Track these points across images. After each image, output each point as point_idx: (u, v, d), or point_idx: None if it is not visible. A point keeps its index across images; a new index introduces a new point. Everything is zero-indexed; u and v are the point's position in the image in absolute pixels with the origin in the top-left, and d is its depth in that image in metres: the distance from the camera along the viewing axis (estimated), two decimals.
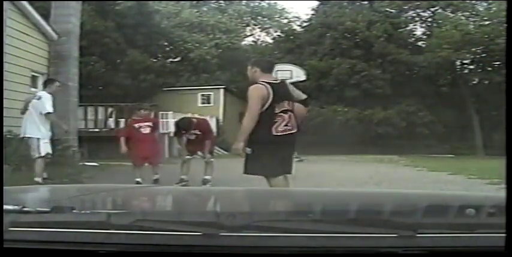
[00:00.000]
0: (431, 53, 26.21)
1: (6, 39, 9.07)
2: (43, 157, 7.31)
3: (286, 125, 4.67)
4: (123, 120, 16.67)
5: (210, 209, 1.59)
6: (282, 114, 4.64)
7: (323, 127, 23.39)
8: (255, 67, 4.86)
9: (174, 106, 20.23)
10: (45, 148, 7.30)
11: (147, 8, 26.39)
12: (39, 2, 13.04)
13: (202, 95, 25.47)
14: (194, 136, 8.07)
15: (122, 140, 7.98)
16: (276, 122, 4.61)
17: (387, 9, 29.74)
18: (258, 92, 4.61)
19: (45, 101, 7.31)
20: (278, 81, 4.90)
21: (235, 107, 22.78)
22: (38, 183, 7.07)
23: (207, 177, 7.99)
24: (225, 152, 17.83)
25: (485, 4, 27.95)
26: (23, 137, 7.54)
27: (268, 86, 4.62)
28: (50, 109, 7.28)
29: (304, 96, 5.20)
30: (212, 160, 8.27)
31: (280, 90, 4.72)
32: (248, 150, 4.65)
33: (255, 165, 4.66)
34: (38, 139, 7.32)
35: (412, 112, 26.50)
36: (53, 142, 10.82)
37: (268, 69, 4.90)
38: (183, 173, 8.06)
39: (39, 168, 7.32)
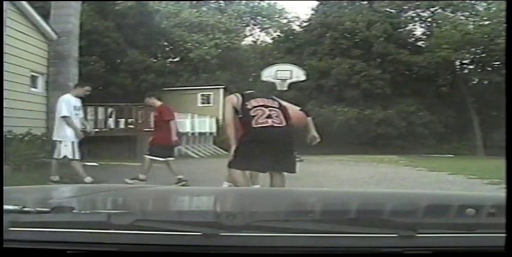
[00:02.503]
0: (431, 53, 26.24)
1: (6, 39, 9.07)
2: (59, 159, 7.33)
3: (267, 118, 4.79)
4: (122, 120, 16.69)
5: (210, 209, 1.59)
6: (260, 108, 4.84)
7: (323, 127, 23.33)
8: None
9: (174, 106, 20.20)
10: (64, 151, 7.29)
11: (147, 8, 26.37)
12: (39, 2, 13.04)
13: (202, 95, 25.48)
14: None
15: None
16: (254, 116, 4.80)
17: (387, 9, 29.76)
18: (228, 101, 5.07)
19: (62, 104, 7.34)
20: (254, 92, 5.39)
21: None
22: (52, 182, 7.15)
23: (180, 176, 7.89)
24: (225, 152, 17.83)
25: (485, 4, 27.98)
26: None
27: (238, 94, 5.08)
28: (64, 113, 7.28)
29: (297, 108, 5.50)
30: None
31: (252, 94, 5.14)
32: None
33: (239, 160, 4.83)
34: (60, 141, 7.37)
35: (412, 112, 26.51)
36: (54, 142, 10.84)
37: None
38: (178, 173, 7.98)
39: (53, 169, 7.38)
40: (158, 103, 8.26)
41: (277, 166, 4.83)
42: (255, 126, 4.75)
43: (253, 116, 4.78)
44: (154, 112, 8.61)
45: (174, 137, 7.87)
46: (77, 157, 7.39)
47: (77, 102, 7.55)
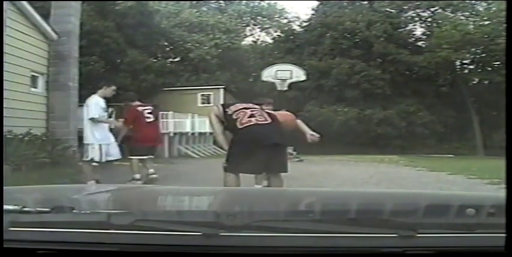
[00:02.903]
0: (431, 53, 26.20)
1: (6, 39, 9.07)
2: (87, 161, 7.16)
3: (250, 117, 4.88)
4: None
5: (210, 209, 1.59)
6: (241, 110, 4.97)
7: (323, 127, 23.36)
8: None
9: (174, 106, 20.22)
10: (92, 154, 7.12)
11: (147, 8, 26.35)
12: (39, 2, 13.02)
13: (202, 95, 25.47)
14: None
15: None
16: (237, 118, 4.90)
17: (387, 9, 29.73)
18: (211, 112, 5.21)
19: (90, 106, 7.19)
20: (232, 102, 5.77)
21: None
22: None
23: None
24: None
25: (485, 4, 27.94)
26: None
27: (218, 105, 5.35)
28: (92, 114, 7.12)
29: (284, 112, 5.99)
30: None
31: (231, 103, 5.41)
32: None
33: (231, 164, 4.91)
34: (88, 144, 7.22)
35: (412, 112, 26.49)
36: (54, 142, 10.80)
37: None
38: (149, 168, 8.07)
39: (88, 172, 7.17)
40: (131, 105, 8.33)
41: (269, 166, 4.87)
42: (240, 127, 4.83)
43: (236, 118, 4.87)
44: (126, 113, 8.71)
45: (118, 140, 7.81)
46: (104, 159, 7.21)
47: (104, 104, 7.43)
